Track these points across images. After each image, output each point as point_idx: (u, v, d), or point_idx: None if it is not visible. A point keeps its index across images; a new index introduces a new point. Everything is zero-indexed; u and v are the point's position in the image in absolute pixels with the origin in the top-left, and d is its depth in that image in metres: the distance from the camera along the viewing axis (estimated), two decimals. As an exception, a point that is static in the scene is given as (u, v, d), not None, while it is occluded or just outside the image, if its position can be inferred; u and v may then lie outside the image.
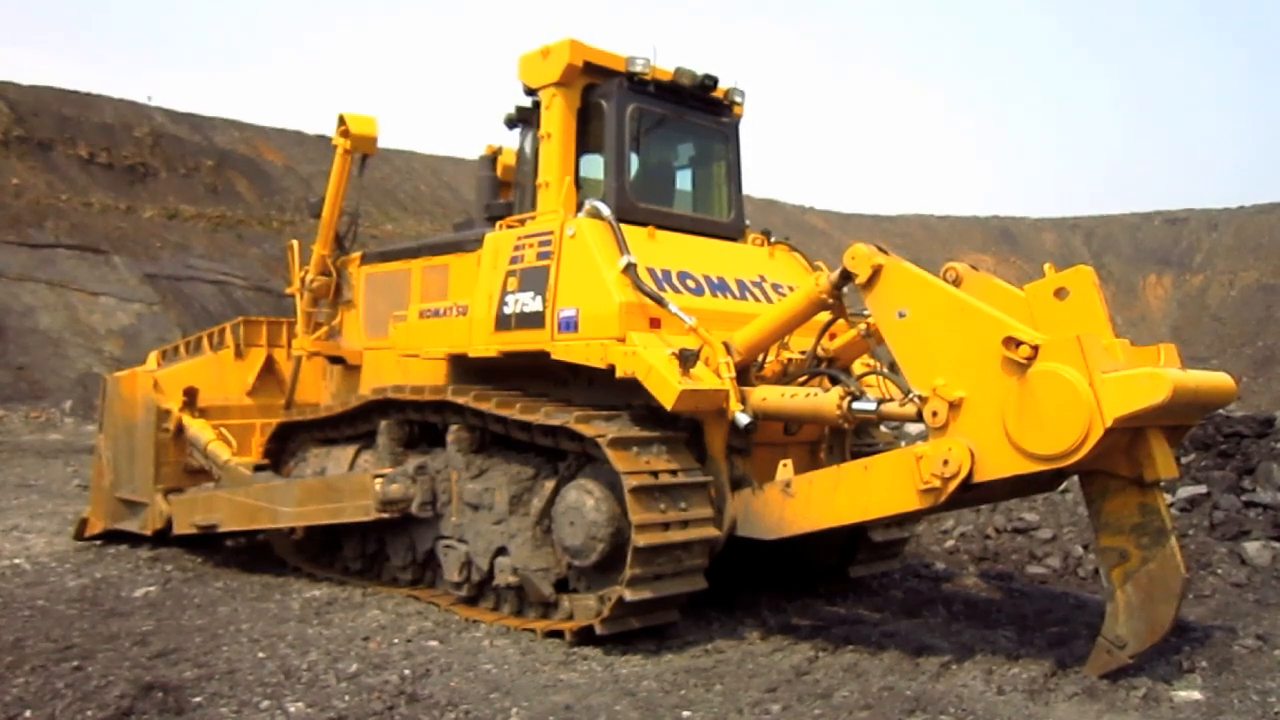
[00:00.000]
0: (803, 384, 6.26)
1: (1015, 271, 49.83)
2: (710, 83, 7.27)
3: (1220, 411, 9.12)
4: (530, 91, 7.07)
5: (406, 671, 5.33)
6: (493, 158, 8.27)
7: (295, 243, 9.59)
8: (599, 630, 5.73)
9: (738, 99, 7.58)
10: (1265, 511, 8.06)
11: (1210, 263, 57.47)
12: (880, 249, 5.55)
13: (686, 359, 5.77)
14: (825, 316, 6.10)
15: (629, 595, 5.57)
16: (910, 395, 5.33)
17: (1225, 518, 8.04)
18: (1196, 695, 4.83)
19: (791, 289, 6.73)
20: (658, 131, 7.28)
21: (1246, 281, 53.64)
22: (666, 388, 5.68)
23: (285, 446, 8.60)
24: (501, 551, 6.48)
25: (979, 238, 62.34)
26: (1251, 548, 7.52)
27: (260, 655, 5.66)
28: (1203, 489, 8.50)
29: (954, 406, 5.09)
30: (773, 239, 7.67)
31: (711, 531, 5.84)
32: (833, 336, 6.40)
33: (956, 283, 5.70)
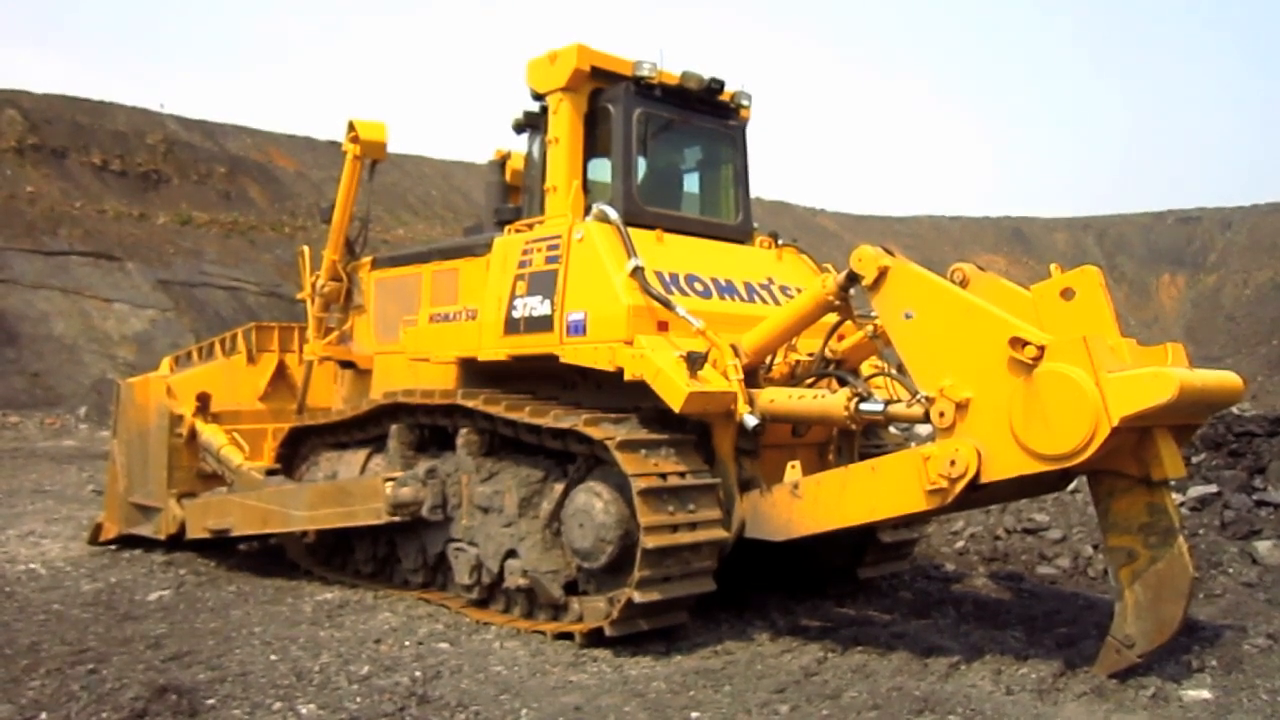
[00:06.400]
0: (810, 386, 6.28)
1: (1027, 272, 49.60)
2: (717, 86, 7.29)
3: (1231, 410, 9.10)
4: (538, 96, 7.10)
5: (417, 673, 5.37)
6: (501, 162, 8.29)
7: (306, 248, 9.68)
8: (608, 632, 5.76)
9: (744, 102, 7.59)
10: (1276, 511, 8.02)
11: (1224, 262, 57.18)
12: (887, 250, 5.57)
13: (694, 361, 5.79)
14: (833, 318, 6.12)
15: (638, 597, 5.59)
16: (917, 396, 5.34)
17: (1236, 517, 8.01)
18: (1205, 694, 4.82)
19: (799, 291, 6.75)
20: (665, 135, 7.30)
21: (1260, 280, 53.34)
22: (674, 390, 5.71)
23: (297, 451, 8.65)
24: (511, 554, 6.51)
25: (991, 238, 62.21)
26: (1263, 547, 7.49)
27: (273, 658, 5.71)
28: (1213, 488, 8.46)
29: (961, 407, 5.10)
30: (781, 241, 7.68)
31: (720, 533, 5.85)
32: (840, 338, 6.40)
33: (963, 284, 5.72)
